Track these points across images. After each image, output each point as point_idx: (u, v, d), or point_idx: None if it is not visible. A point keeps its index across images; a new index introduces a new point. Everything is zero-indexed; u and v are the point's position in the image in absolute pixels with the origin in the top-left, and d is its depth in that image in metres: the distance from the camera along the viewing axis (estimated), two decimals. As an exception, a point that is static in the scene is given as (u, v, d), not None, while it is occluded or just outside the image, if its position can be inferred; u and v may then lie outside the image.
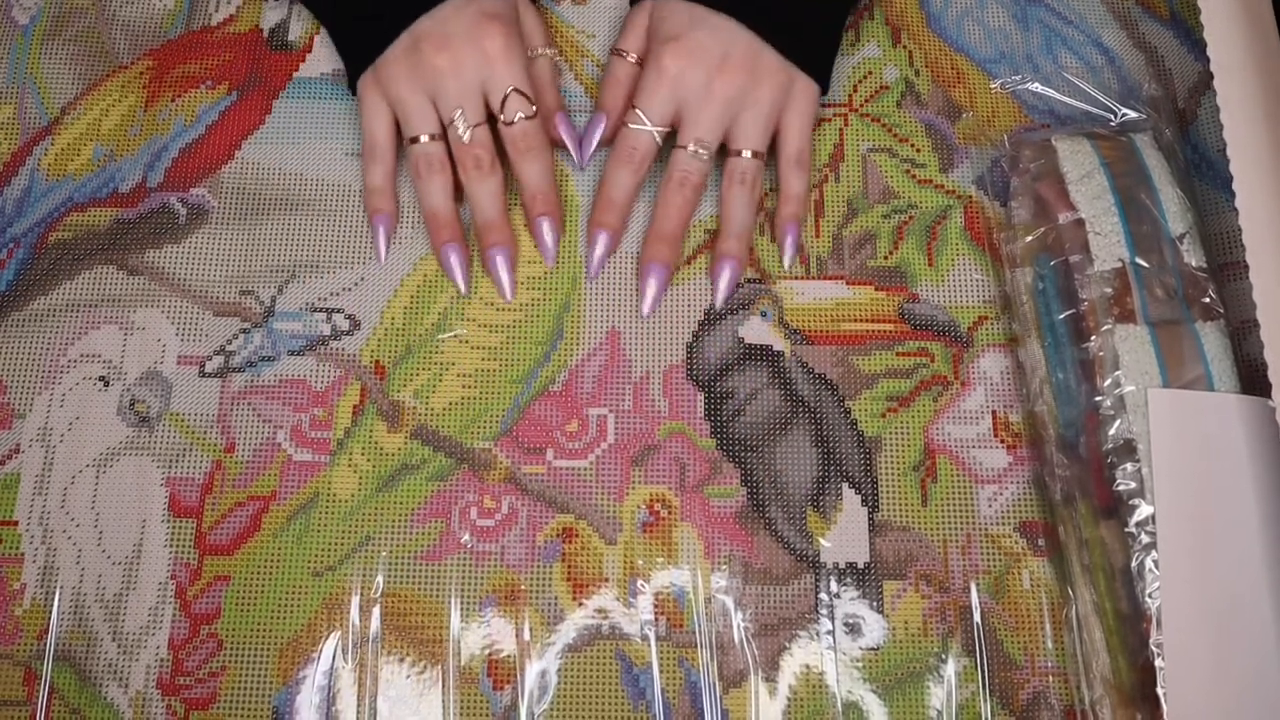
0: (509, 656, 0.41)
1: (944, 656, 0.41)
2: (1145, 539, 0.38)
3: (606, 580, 0.42)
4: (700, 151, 0.45)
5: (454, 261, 0.46)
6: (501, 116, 0.45)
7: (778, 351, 0.46)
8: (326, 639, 0.42)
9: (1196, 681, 0.36)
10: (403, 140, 0.47)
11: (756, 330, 0.46)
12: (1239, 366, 0.41)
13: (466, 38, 0.44)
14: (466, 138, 0.44)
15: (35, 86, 0.51)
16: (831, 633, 0.41)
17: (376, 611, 0.42)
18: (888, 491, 0.43)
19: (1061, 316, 0.42)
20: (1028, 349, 0.44)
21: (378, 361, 0.45)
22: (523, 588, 0.42)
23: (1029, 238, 0.44)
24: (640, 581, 0.42)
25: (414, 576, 0.42)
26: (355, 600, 0.42)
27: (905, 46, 0.51)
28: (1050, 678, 0.41)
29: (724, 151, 0.46)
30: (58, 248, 0.48)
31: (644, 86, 0.45)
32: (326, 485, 0.44)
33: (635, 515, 0.43)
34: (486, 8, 0.45)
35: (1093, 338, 0.41)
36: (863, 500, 0.43)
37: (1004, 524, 0.43)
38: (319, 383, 0.45)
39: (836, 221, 0.48)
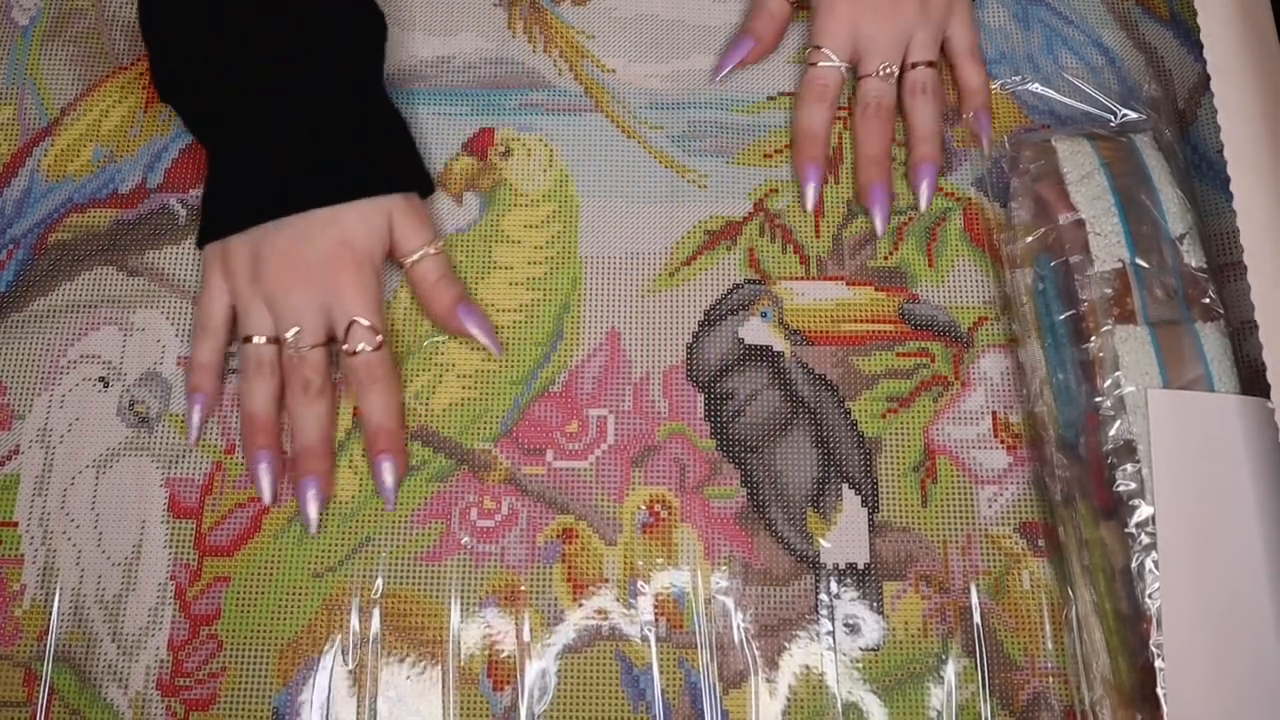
0: (509, 657, 0.41)
1: (944, 657, 0.41)
2: (1145, 540, 0.38)
3: (606, 581, 0.42)
4: (887, 76, 0.48)
5: (263, 470, 0.43)
6: (345, 347, 0.43)
7: (778, 352, 0.46)
8: (326, 640, 0.42)
9: (1196, 682, 0.36)
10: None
11: (756, 331, 0.46)
12: (1239, 367, 0.41)
13: (318, 262, 0.43)
14: (298, 357, 0.43)
15: (35, 87, 0.51)
16: (831, 633, 0.41)
17: (376, 612, 0.42)
18: (888, 492, 0.43)
19: (1061, 317, 0.42)
20: (1028, 350, 0.44)
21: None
22: (523, 588, 0.42)
23: (1029, 238, 0.44)
24: (640, 582, 0.42)
25: (414, 577, 0.42)
26: (355, 601, 0.42)
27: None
28: (1050, 678, 0.41)
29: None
30: (57, 249, 0.48)
31: (824, 29, 0.48)
32: (326, 486, 0.44)
33: (635, 516, 0.43)
34: (348, 234, 0.43)
35: (1093, 338, 0.41)
36: (863, 501, 0.43)
37: (1004, 525, 0.43)
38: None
39: (836, 222, 0.48)
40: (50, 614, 0.42)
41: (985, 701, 0.40)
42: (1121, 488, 0.39)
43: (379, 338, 0.43)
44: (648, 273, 0.47)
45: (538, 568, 0.43)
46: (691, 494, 0.44)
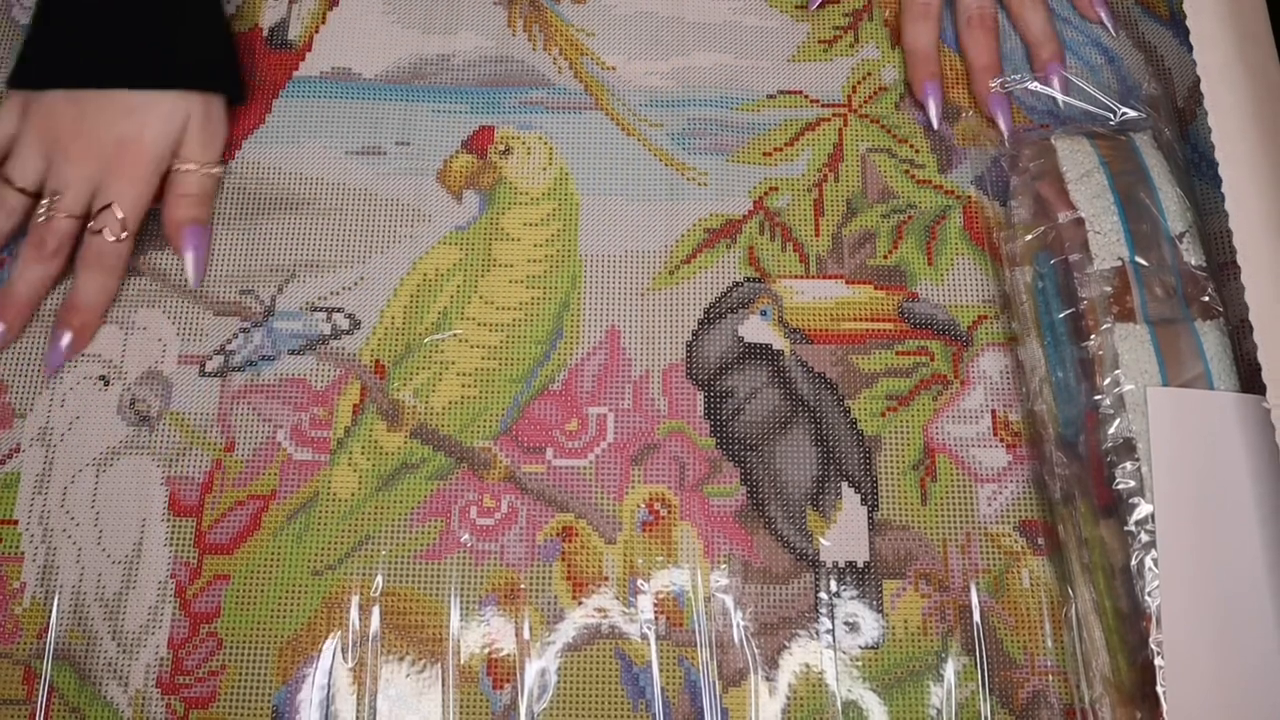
0: (509, 655, 0.41)
1: (944, 655, 0.41)
2: (1145, 538, 0.38)
3: (606, 579, 0.42)
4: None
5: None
6: (91, 223, 0.44)
7: (777, 350, 0.46)
8: (326, 638, 0.42)
9: (1196, 680, 0.36)
10: None
11: (756, 329, 0.46)
12: (1239, 365, 0.41)
13: (107, 145, 0.44)
14: (46, 217, 0.44)
15: (35, 86, 0.51)
16: (831, 632, 0.41)
17: (376, 610, 0.42)
18: (887, 491, 0.43)
19: (1061, 315, 0.42)
20: (1027, 348, 0.44)
21: (378, 361, 0.45)
22: (522, 587, 0.42)
23: (1028, 237, 0.44)
24: (640, 580, 0.42)
25: (414, 575, 0.42)
26: (355, 599, 0.42)
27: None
28: (1050, 676, 0.41)
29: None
30: (58, 247, 0.48)
31: None
32: (326, 484, 0.44)
33: (635, 514, 0.43)
34: (144, 127, 0.45)
35: (1092, 336, 0.41)
36: (862, 499, 0.43)
37: (1004, 523, 0.43)
38: (319, 382, 0.45)
39: (836, 221, 0.48)
40: (50, 612, 0.42)
41: (985, 700, 0.40)
42: (1121, 486, 0.39)
43: (125, 234, 0.45)
44: (647, 271, 0.47)
45: (537, 566, 0.43)
46: (691, 492, 0.44)
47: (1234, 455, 0.38)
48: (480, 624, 0.42)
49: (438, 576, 0.42)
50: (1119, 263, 0.41)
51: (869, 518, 0.43)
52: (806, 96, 0.50)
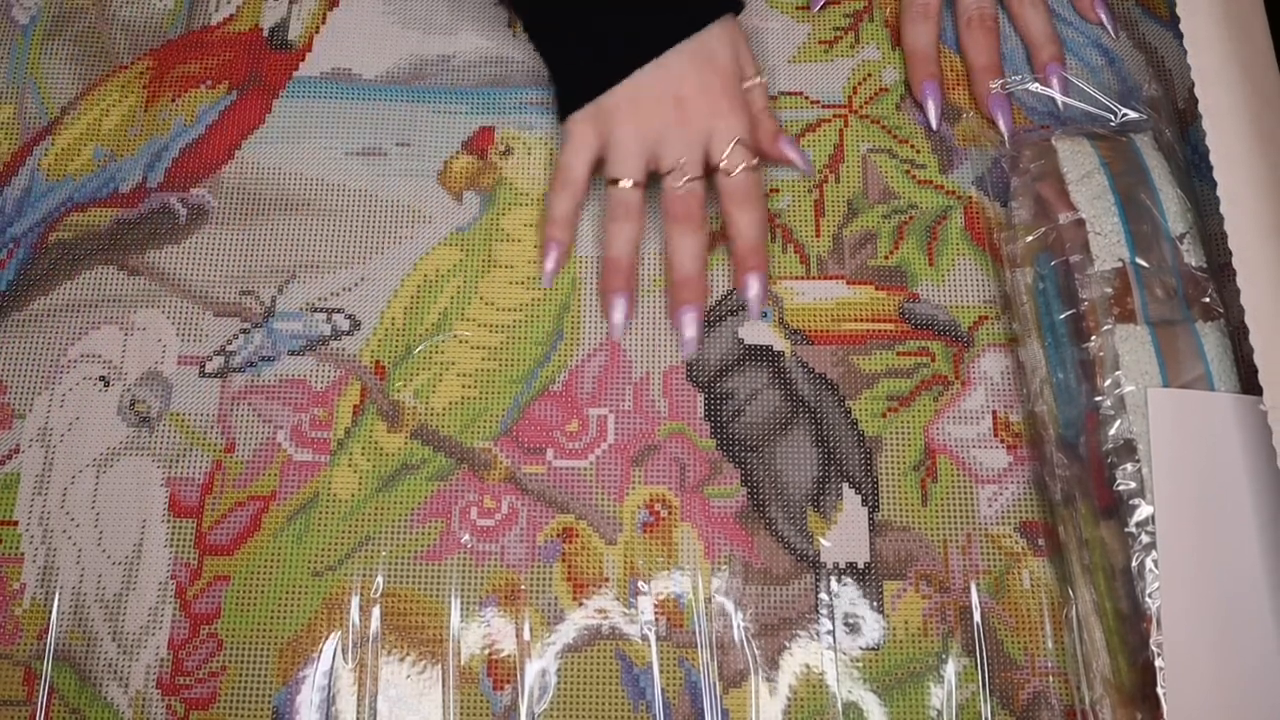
0: (509, 656, 0.41)
1: (944, 656, 0.41)
2: (1145, 539, 0.38)
3: (607, 580, 0.42)
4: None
5: (619, 310, 0.45)
6: (724, 166, 0.45)
7: (778, 352, 0.46)
8: (326, 639, 0.42)
9: (1196, 681, 0.36)
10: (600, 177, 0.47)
11: (756, 330, 0.46)
12: (1239, 366, 0.41)
13: (699, 90, 0.45)
14: (683, 189, 0.44)
15: (35, 86, 0.51)
16: (832, 633, 0.41)
17: (376, 611, 0.42)
18: (888, 491, 0.43)
19: (1062, 316, 0.42)
20: (1028, 349, 0.44)
21: (378, 361, 0.45)
22: (523, 588, 0.42)
23: (1029, 238, 0.44)
24: (640, 581, 0.42)
25: (414, 576, 0.42)
26: (355, 600, 0.42)
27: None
28: (1050, 678, 0.41)
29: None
30: (58, 248, 0.48)
31: None
32: (326, 485, 0.44)
33: (635, 515, 0.43)
34: (717, 60, 0.45)
35: (1093, 338, 0.41)
36: (863, 500, 0.43)
37: (1004, 524, 0.43)
38: (319, 383, 0.45)
39: (837, 221, 0.48)
40: (50, 613, 0.42)
41: (985, 701, 0.40)
42: (1121, 487, 0.39)
43: (755, 159, 0.45)
44: (648, 272, 0.47)
45: (538, 567, 0.43)
46: (692, 493, 0.44)
47: (1234, 457, 0.38)
48: (481, 625, 0.42)
49: (438, 577, 0.42)
50: (1120, 264, 0.41)
51: (869, 519, 0.43)
52: (807, 97, 0.50)
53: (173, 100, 0.50)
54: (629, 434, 0.44)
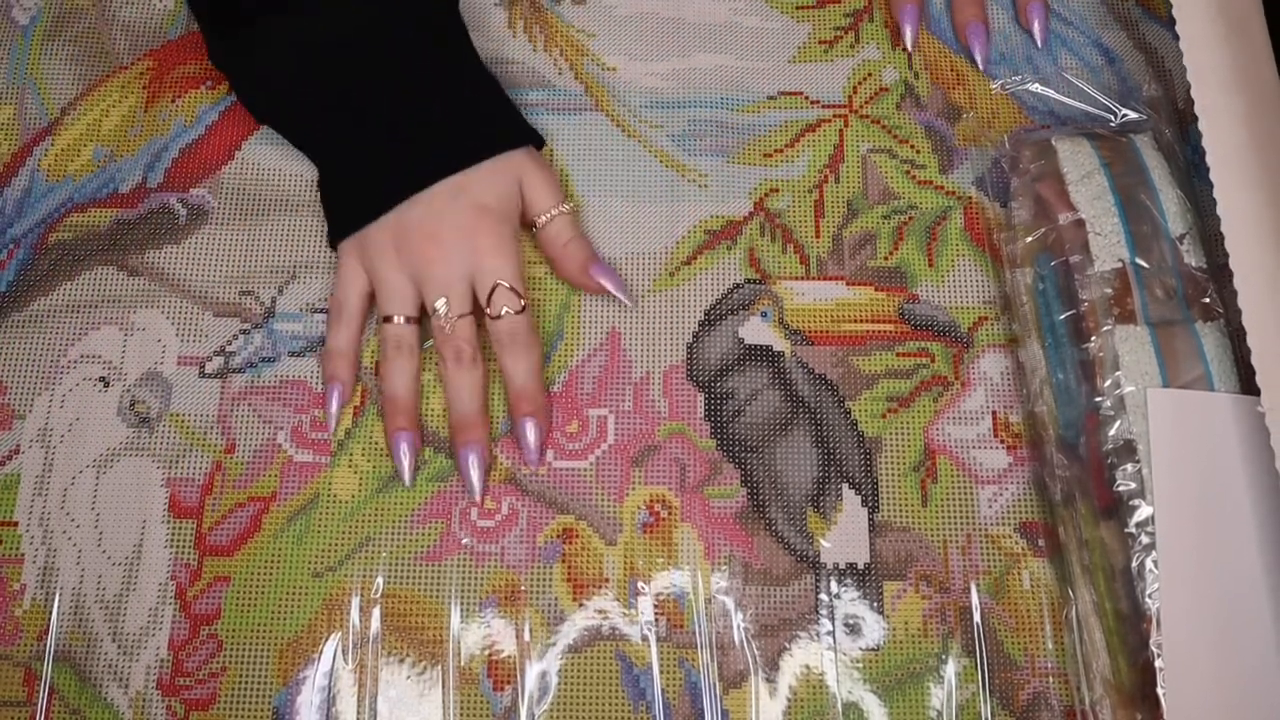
0: (509, 657, 0.41)
1: (944, 657, 0.41)
2: (1145, 539, 0.38)
3: (607, 581, 0.42)
4: None
5: (404, 451, 0.43)
6: (488, 311, 0.43)
7: (778, 352, 0.46)
8: (326, 639, 0.42)
9: (1196, 681, 0.36)
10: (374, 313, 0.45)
11: (756, 331, 0.46)
12: (1239, 367, 0.41)
13: (457, 230, 0.43)
14: (449, 329, 0.43)
15: (35, 87, 0.51)
16: (832, 633, 0.41)
17: (376, 612, 0.42)
18: (888, 492, 0.43)
19: (1061, 317, 0.42)
20: (1028, 349, 0.44)
21: (378, 362, 0.45)
22: (523, 588, 0.42)
23: (1029, 238, 0.44)
24: (640, 582, 0.42)
25: (414, 577, 0.42)
26: (355, 601, 0.42)
27: (905, 49, 0.51)
28: (1050, 678, 0.41)
29: None
30: (58, 248, 0.48)
31: None
32: (327, 486, 0.44)
33: (635, 516, 0.43)
34: (480, 199, 0.44)
35: (1093, 338, 0.41)
36: (863, 501, 0.43)
37: (1004, 524, 0.43)
38: (319, 384, 0.45)
39: (836, 222, 0.48)
40: (50, 614, 0.42)
41: (985, 701, 0.40)
42: (1121, 487, 0.39)
43: (522, 301, 0.43)
44: (648, 272, 0.47)
45: (538, 568, 0.43)
46: (692, 494, 0.44)
47: (1234, 457, 0.38)
48: (481, 625, 0.42)
49: (438, 578, 0.42)
50: (1119, 264, 0.41)
51: (869, 519, 0.43)
52: (807, 98, 0.50)
53: (173, 100, 0.50)
54: (629, 434, 0.44)
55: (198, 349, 0.46)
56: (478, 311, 0.44)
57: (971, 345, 0.46)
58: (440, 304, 0.43)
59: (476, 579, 0.42)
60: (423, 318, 0.45)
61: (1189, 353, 0.40)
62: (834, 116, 0.50)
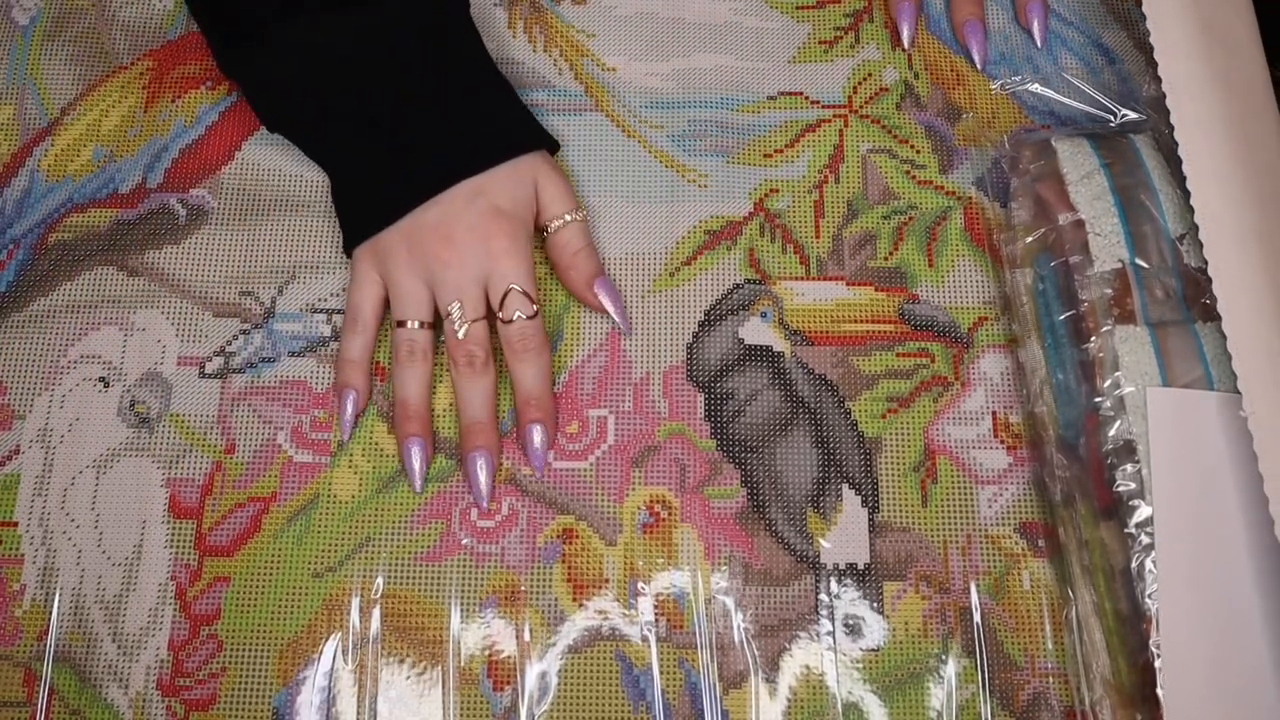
0: (509, 657, 0.41)
1: (944, 657, 0.41)
2: (1145, 540, 0.38)
3: (607, 581, 0.42)
4: None
5: (415, 458, 0.43)
6: (500, 314, 0.43)
7: (778, 352, 0.46)
8: (326, 640, 0.42)
9: (1195, 682, 0.36)
10: (389, 319, 0.45)
11: (756, 331, 0.46)
12: (1239, 367, 0.41)
13: (471, 232, 0.43)
14: (461, 333, 0.42)
15: (35, 87, 0.51)
16: (832, 633, 0.41)
17: (376, 612, 0.42)
18: (888, 492, 0.43)
19: (1061, 317, 0.42)
20: (1028, 350, 0.44)
21: (378, 363, 0.45)
22: (523, 589, 0.42)
23: (1029, 238, 0.44)
24: (640, 582, 0.42)
25: (414, 577, 0.42)
26: (355, 601, 0.42)
27: (904, 49, 0.51)
28: (1050, 678, 0.41)
29: None
30: (58, 249, 0.48)
31: None
32: (327, 486, 0.44)
33: (635, 516, 0.43)
34: (496, 201, 0.43)
35: (1092, 339, 0.41)
36: (863, 501, 0.43)
37: (1004, 525, 0.43)
38: (319, 384, 0.45)
39: (836, 222, 0.48)
40: (50, 614, 0.42)
41: (985, 702, 0.40)
42: (1121, 488, 0.39)
43: (534, 306, 0.43)
44: (648, 272, 0.47)
45: (538, 568, 0.43)
46: (691, 494, 0.44)
47: (1234, 457, 0.38)
48: (481, 626, 0.42)
49: (438, 578, 0.42)
50: (1119, 265, 0.41)
51: (869, 519, 0.43)
52: (807, 98, 0.50)
53: (173, 101, 0.50)
54: (629, 435, 0.44)
55: (198, 349, 0.46)
56: (489, 315, 0.44)
57: (971, 345, 0.46)
58: (454, 308, 0.43)
59: (476, 579, 0.42)
60: (435, 323, 0.44)
61: (1188, 353, 0.40)
62: (834, 117, 0.50)
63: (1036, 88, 0.50)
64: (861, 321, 0.46)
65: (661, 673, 0.41)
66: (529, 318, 0.43)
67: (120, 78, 0.51)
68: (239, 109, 0.50)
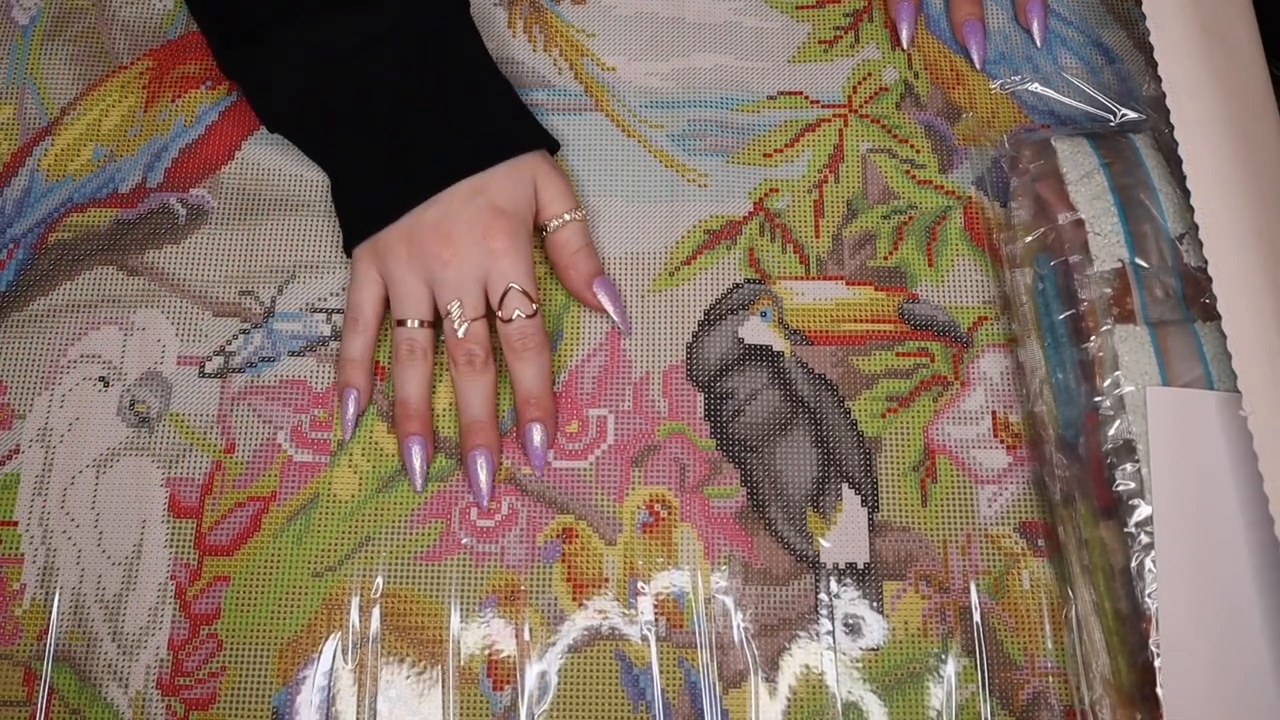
0: (509, 657, 0.41)
1: (944, 657, 0.41)
2: (1145, 539, 0.38)
3: (606, 581, 0.42)
4: None
5: (416, 457, 0.43)
6: (500, 313, 0.43)
7: (777, 352, 0.46)
8: (326, 639, 0.42)
9: (1194, 681, 0.36)
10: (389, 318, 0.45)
11: (756, 330, 0.46)
12: (1239, 367, 0.41)
13: (471, 231, 0.43)
14: (461, 332, 0.42)
15: (35, 87, 0.51)
16: (831, 633, 0.41)
17: (376, 612, 0.42)
18: (888, 492, 0.43)
19: (1061, 317, 0.42)
20: (1027, 349, 0.44)
21: (378, 362, 0.45)
22: (523, 588, 0.42)
23: (1029, 238, 0.44)
24: (640, 582, 0.42)
25: (414, 577, 0.42)
26: (355, 600, 0.42)
27: (904, 49, 0.51)
28: (1050, 678, 0.41)
29: None
30: (58, 248, 0.48)
31: None
32: (327, 486, 0.44)
33: (635, 516, 0.43)
34: (496, 200, 0.43)
35: (1092, 338, 0.41)
36: (863, 500, 0.43)
37: (1004, 524, 0.43)
38: (319, 383, 0.45)
39: (836, 222, 0.48)
40: (50, 613, 0.42)
41: (985, 701, 0.40)
42: (1121, 487, 0.39)
43: (534, 305, 0.43)
44: (648, 272, 0.47)
45: (538, 567, 0.43)
46: (691, 494, 0.44)
47: (1234, 456, 0.38)
48: (480, 625, 0.42)
49: (438, 578, 0.42)
50: (1119, 264, 0.41)
51: (869, 519, 0.43)
52: (807, 97, 0.50)
53: (173, 100, 0.50)
54: (629, 434, 0.44)
55: (198, 349, 0.46)
56: (489, 314, 0.44)
57: (971, 345, 0.46)
58: (454, 307, 0.43)
59: (476, 579, 0.42)
60: (435, 322, 0.44)
61: (1188, 352, 0.40)
62: (834, 116, 0.50)
63: (1036, 87, 0.50)
64: (861, 321, 0.46)
65: (661, 672, 0.41)
66: (528, 317, 0.43)
67: (120, 77, 0.51)
68: (239, 109, 0.50)
